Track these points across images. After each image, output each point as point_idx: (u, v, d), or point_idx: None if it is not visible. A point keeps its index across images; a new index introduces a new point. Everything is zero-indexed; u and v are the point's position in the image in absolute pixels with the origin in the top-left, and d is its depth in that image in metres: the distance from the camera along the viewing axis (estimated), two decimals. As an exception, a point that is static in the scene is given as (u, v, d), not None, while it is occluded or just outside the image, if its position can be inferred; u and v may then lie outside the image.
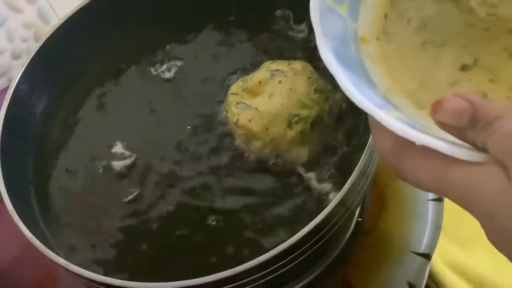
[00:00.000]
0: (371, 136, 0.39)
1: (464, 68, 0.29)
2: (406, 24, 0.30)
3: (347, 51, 0.28)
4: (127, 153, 0.48)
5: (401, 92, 0.29)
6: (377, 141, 0.28)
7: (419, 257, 0.48)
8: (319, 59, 0.52)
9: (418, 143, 0.24)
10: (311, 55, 0.50)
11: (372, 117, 0.25)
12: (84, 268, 0.38)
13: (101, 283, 0.38)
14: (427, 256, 0.48)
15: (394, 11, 0.31)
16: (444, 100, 0.24)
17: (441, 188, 0.25)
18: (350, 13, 0.30)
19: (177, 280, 0.36)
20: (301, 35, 0.52)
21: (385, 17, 0.31)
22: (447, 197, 0.26)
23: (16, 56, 0.69)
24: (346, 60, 0.27)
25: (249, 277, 0.37)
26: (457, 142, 0.25)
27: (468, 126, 0.24)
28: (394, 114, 0.26)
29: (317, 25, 0.28)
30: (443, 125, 0.25)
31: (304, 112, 0.44)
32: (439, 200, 0.51)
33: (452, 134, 0.25)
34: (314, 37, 0.51)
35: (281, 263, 0.37)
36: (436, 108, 0.25)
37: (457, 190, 0.25)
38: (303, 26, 0.52)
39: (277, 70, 0.46)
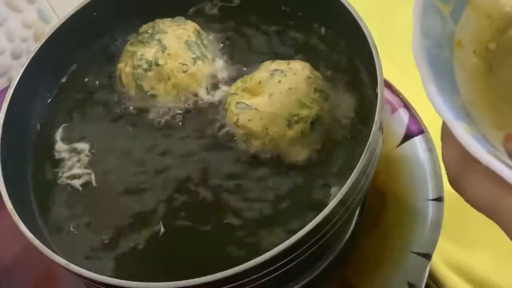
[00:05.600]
0: (371, 135, 0.39)
1: None
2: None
3: (439, 52, 0.28)
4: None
5: (483, 107, 0.28)
6: (445, 150, 0.28)
7: (419, 257, 0.48)
8: (318, 58, 0.53)
9: (484, 163, 0.24)
10: (311, 55, 0.50)
11: (446, 126, 0.25)
12: (84, 268, 0.38)
13: (101, 283, 0.38)
14: (427, 256, 0.48)
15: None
16: None
17: (494, 213, 0.26)
18: (453, 14, 0.29)
19: (177, 280, 0.36)
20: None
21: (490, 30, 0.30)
22: (498, 224, 0.26)
23: (16, 56, 0.69)
24: (436, 62, 0.27)
25: (249, 277, 0.37)
26: None
27: None
28: (468, 128, 0.25)
29: (417, 20, 0.27)
30: None
31: (304, 112, 0.44)
32: (439, 200, 0.51)
33: None
34: (313, 37, 0.51)
35: (281, 263, 0.37)
36: (510, 138, 0.25)
37: (508, 221, 0.25)
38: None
39: (277, 70, 0.46)
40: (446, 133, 0.27)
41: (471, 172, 0.26)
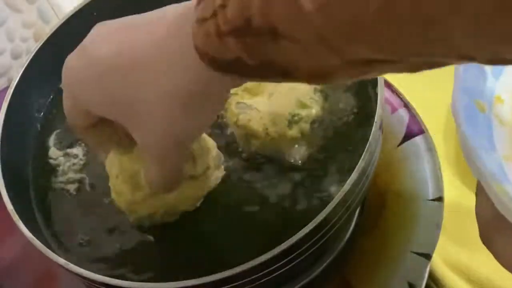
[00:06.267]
0: (371, 135, 0.39)
1: None
2: None
3: (478, 108, 0.28)
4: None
5: None
6: (479, 204, 0.28)
7: (419, 257, 0.48)
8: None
9: None
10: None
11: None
12: (84, 268, 0.38)
13: (101, 283, 0.38)
14: (427, 256, 0.48)
15: None
16: None
17: None
18: (494, 70, 0.30)
19: (176, 280, 0.36)
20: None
21: None
22: None
23: (16, 56, 0.69)
24: (473, 117, 0.27)
25: (249, 277, 0.37)
26: None
27: None
28: (504, 188, 0.25)
29: (458, 77, 0.27)
30: None
31: (304, 112, 0.44)
32: (439, 200, 0.51)
33: None
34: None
35: (281, 263, 0.37)
36: None
37: None
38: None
39: (277, 70, 0.46)
40: (481, 191, 0.27)
41: (503, 230, 0.26)
